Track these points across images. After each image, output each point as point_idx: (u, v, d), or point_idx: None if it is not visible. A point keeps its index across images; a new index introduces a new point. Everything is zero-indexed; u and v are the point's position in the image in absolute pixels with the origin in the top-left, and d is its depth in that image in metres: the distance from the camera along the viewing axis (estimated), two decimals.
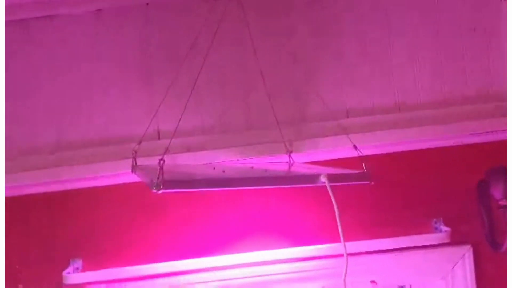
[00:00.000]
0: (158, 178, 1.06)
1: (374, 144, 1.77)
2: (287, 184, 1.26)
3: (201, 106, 1.81)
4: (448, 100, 1.79)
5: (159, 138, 1.79)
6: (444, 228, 1.80)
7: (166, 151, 1.21)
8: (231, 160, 1.74)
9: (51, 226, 1.84)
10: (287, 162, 1.70)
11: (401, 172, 1.84)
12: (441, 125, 1.75)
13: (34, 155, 1.79)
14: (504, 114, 1.73)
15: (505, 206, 1.66)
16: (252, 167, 1.49)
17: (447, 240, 1.76)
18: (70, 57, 1.82)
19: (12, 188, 1.77)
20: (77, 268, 1.82)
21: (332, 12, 1.81)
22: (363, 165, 1.31)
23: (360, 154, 1.33)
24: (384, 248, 1.74)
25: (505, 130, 1.76)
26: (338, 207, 1.11)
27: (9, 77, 1.82)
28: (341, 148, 1.71)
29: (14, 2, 1.73)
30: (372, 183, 1.28)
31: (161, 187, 1.06)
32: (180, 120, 1.40)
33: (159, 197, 1.75)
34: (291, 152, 1.71)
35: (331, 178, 1.17)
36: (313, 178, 1.18)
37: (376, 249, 1.74)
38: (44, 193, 1.83)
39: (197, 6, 1.80)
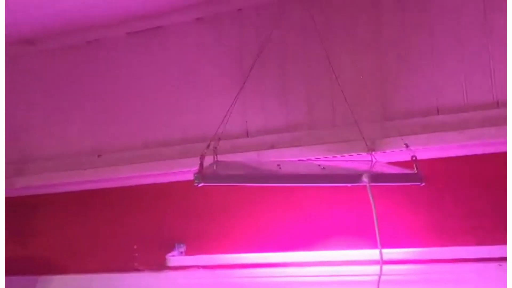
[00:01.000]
0: (199, 173, 1.15)
1: (471, 143, 1.62)
2: (327, 183, 1.24)
3: (286, 105, 1.85)
4: None
5: (247, 136, 1.88)
6: None
7: (216, 148, 1.28)
8: (316, 158, 1.75)
9: (162, 213, 2.07)
10: (369, 160, 1.65)
11: (469, 178, 1.65)
12: None
13: (144, 149, 2.03)
14: None
15: None
16: (319, 165, 1.49)
17: None
18: (173, 62, 2.02)
19: (127, 178, 2.04)
20: (181, 252, 2.01)
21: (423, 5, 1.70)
22: (414, 165, 1.23)
23: (411, 153, 1.24)
24: (444, 257, 1.57)
25: None
26: (376, 208, 1.08)
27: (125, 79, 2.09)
28: (430, 147, 1.62)
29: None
30: (423, 184, 1.19)
31: (201, 181, 1.15)
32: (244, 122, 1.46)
33: (256, 193, 1.88)
34: (372, 150, 1.65)
35: (375, 178, 1.13)
36: (355, 177, 1.16)
37: (435, 258, 1.58)
38: (154, 184, 2.05)
39: (287, 14, 1.85)
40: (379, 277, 1.06)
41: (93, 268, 2.08)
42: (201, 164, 1.17)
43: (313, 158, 1.72)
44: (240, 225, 1.94)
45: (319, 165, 1.51)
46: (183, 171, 1.94)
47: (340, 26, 1.78)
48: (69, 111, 2.17)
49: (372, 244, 1.68)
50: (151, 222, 2.09)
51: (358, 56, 1.77)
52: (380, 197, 1.66)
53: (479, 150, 1.64)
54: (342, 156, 1.72)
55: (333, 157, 1.73)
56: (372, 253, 1.64)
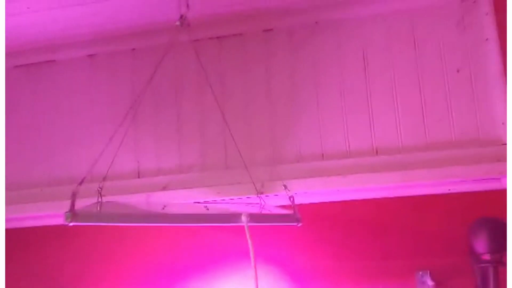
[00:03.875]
0: (69, 210, 1.10)
1: (354, 188, 1.71)
2: (210, 223, 1.24)
3: (180, 146, 1.85)
4: (430, 145, 1.68)
5: (138, 177, 1.85)
6: (430, 282, 1.66)
7: (101, 189, 1.24)
8: (205, 201, 1.75)
9: (35, 257, 1.95)
10: (257, 203, 1.68)
11: (388, 221, 1.75)
12: (422, 170, 1.64)
13: (27, 189, 1.91)
14: (492, 160, 1.60)
15: (488, 261, 1.50)
16: (205, 206, 1.49)
17: None
18: (66, 99, 1.97)
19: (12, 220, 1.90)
20: None
21: (311, 59, 1.80)
22: (292, 206, 1.26)
23: (288, 194, 1.28)
24: None
25: (494, 179, 1.62)
26: (253, 247, 1.08)
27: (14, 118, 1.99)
28: (316, 192, 1.68)
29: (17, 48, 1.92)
30: (300, 224, 1.22)
31: (72, 219, 1.10)
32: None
33: (141, 233, 1.84)
34: (261, 193, 1.68)
35: (254, 218, 1.14)
36: (235, 217, 1.16)
37: None
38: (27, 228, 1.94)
39: (180, 57, 1.88)
40: None
41: None
42: (73, 202, 1.12)
43: (202, 200, 1.72)
44: (118, 267, 1.87)
45: (205, 207, 1.50)
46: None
47: (233, 73, 1.84)
48: None
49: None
50: (25, 268, 1.95)
51: (250, 102, 1.82)
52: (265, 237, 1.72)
53: (360, 196, 1.73)
54: (231, 199, 1.74)
55: (221, 200, 1.74)
56: None
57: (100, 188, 1.56)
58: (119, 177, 1.82)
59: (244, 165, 1.66)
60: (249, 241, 1.10)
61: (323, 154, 1.76)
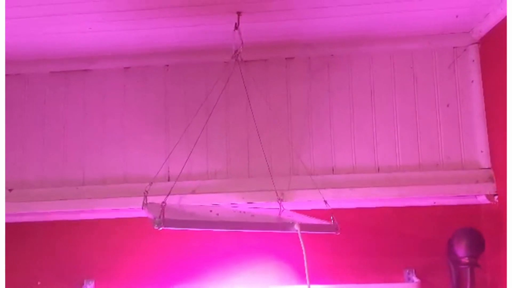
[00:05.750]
0: (159, 217, 1.33)
1: (358, 199, 2.02)
2: (267, 229, 1.51)
3: (208, 155, 2.09)
4: (422, 166, 2.03)
5: (168, 180, 2.07)
6: (415, 279, 2.00)
7: (169, 193, 1.48)
8: (231, 204, 2.01)
9: (69, 249, 2.13)
10: (277, 208, 1.96)
11: (381, 226, 2.07)
12: (414, 186, 1.98)
13: (63, 187, 2.09)
14: (471, 181, 1.96)
15: (467, 263, 1.87)
16: (243, 212, 1.75)
17: None
18: (99, 106, 2.15)
19: (36, 214, 2.08)
20: None
21: (325, 86, 2.09)
22: (331, 218, 1.56)
23: (329, 208, 1.57)
24: None
25: (472, 196, 1.99)
26: (306, 252, 1.36)
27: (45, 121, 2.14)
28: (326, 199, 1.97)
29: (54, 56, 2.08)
30: (338, 233, 1.52)
31: (162, 225, 1.33)
32: (185, 163, 1.67)
33: (161, 230, 2.05)
34: (281, 200, 1.96)
35: (303, 226, 1.42)
36: (288, 225, 1.44)
37: None
38: (68, 221, 2.11)
39: (210, 70, 2.11)
40: None
41: None
42: (162, 210, 1.35)
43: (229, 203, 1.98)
44: (150, 262, 2.09)
45: (240, 211, 1.77)
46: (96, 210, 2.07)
47: (258, 93, 2.08)
48: None
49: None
50: (58, 259, 2.13)
51: (271, 120, 2.09)
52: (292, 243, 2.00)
53: (361, 205, 2.06)
54: (250, 203, 2.00)
55: (247, 203, 2.00)
56: None
57: (146, 191, 1.80)
58: (150, 180, 2.02)
59: (269, 174, 1.94)
60: (303, 247, 1.38)
61: (333, 169, 2.06)
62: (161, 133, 2.12)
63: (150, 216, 1.50)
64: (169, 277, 2.07)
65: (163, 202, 1.39)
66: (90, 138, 2.15)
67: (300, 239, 1.40)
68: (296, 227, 1.42)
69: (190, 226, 1.40)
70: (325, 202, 1.65)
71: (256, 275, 2.01)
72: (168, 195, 1.50)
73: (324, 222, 1.54)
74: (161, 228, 1.34)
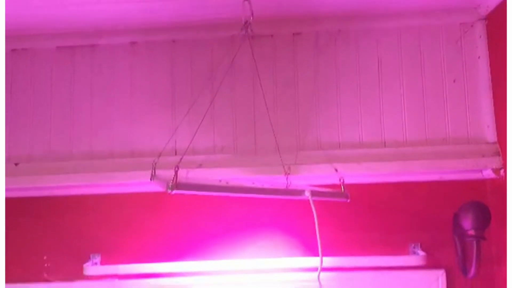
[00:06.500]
0: (172, 181, 1.33)
1: (362, 173, 2.03)
2: (278, 195, 1.51)
3: (214, 130, 2.09)
4: (428, 140, 2.04)
5: (175, 154, 2.07)
6: (420, 252, 2.02)
7: (180, 161, 1.48)
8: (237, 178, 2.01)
9: (74, 224, 2.13)
10: (285, 183, 1.96)
11: (387, 201, 2.09)
12: (421, 161, 2.00)
13: (70, 161, 2.08)
14: (477, 156, 1.98)
15: (473, 236, 1.88)
16: (253, 183, 1.76)
17: (422, 263, 1.98)
18: (107, 81, 2.15)
19: (40, 189, 2.08)
20: (96, 263, 2.09)
21: (333, 61, 2.10)
22: (342, 186, 1.57)
23: (340, 176, 1.58)
24: (365, 265, 1.97)
25: (477, 170, 2.01)
26: (318, 220, 1.36)
27: (53, 96, 2.14)
28: (332, 175, 1.98)
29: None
30: (349, 201, 1.53)
31: (175, 188, 1.33)
32: (193, 138, 1.68)
33: (168, 205, 2.07)
34: (288, 174, 1.97)
35: (314, 193, 1.43)
36: (299, 192, 1.44)
37: (357, 265, 1.97)
38: (75, 196, 2.11)
39: (216, 44, 2.11)
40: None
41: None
42: (176, 174, 1.35)
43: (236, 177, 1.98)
44: (156, 236, 2.09)
45: (252, 183, 1.78)
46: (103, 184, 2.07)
47: (265, 69, 2.08)
48: None
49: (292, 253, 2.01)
50: (65, 233, 2.13)
51: (278, 96, 2.09)
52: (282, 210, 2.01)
53: (368, 180, 2.07)
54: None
55: (254, 177, 2.01)
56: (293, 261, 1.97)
57: (154, 162, 1.80)
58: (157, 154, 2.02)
59: (275, 149, 1.94)
60: (314, 213, 1.39)
61: (339, 144, 2.06)
62: (168, 108, 2.12)
63: (160, 185, 1.50)
64: (176, 251, 2.07)
65: (176, 167, 1.39)
66: (97, 113, 2.14)
67: (312, 206, 1.41)
68: (307, 193, 1.43)
69: (202, 189, 1.41)
70: (336, 170, 1.66)
71: (264, 248, 2.02)
72: (179, 162, 1.50)
73: (334, 191, 1.55)
74: (173, 192, 1.35)
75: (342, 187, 1.58)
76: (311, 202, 1.41)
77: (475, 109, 2.04)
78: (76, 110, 2.15)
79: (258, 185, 1.66)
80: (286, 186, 1.93)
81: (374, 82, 2.09)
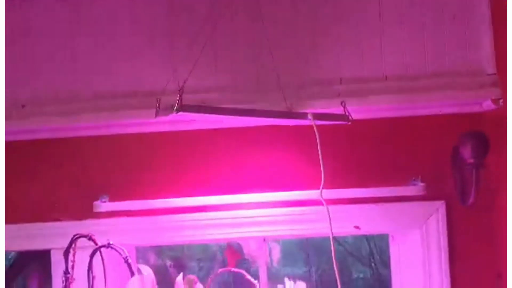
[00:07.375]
0: (177, 103, 1.36)
1: (364, 107, 2.05)
2: (281, 118, 1.55)
3: (216, 67, 2.11)
4: (429, 73, 2.06)
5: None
6: (420, 183, 2.07)
7: (184, 85, 1.50)
8: None
9: (81, 165, 2.18)
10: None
11: (388, 135, 2.13)
12: (422, 94, 2.03)
13: (75, 103, 2.11)
14: (476, 88, 2.01)
15: (471, 164, 1.93)
16: None
17: (422, 192, 2.03)
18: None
19: (47, 131, 2.12)
20: (104, 202, 2.14)
21: None
22: (344, 108, 1.60)
23: (343, 101, 1.61)
24: (366, 196, 2.02)
25: (477, 103, 2.04)
26: (320, 147, 1.39)
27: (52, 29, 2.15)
28: (333, 109, 2.01)
29: None
30: (350, 123, 1.56)
31: (180, 110, 1.36)
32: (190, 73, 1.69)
33: (174, 145, 2.11)
34: (290, 109, 1.99)
35: (316, 116, 1.46)
36: (302, 115, 1.48)
37: (359, 196, 2.02)
38: (81, 137, 2.16)
39: None
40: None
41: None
42: (180, 96, 1.38)
43: None
44: (163, 176, 2.14)
45: None
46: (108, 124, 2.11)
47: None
48: None
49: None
50: (73, 175, 2.18)
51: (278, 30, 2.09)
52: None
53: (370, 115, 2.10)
54: None
55: None
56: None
57: (159, 98, 1.82)
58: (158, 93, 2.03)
59: (277, 86, 1.96)
60: (317, 137, 1.42)
61: (341, 79, 2.09)
62: (168, 46, 2.12)
63: (166, 111, 1.53)
64: (184, 188, 2.12)
65: (180, 89, 1.42)
66: (100, 55, 2.15)
67: (315, 128, 1.45)
68: (310, 116, 1.46)
69: (207, 111, 1.44)
70: (342, 103, 1.69)
71: (268, 180, 2.07)
72: (183, 86, 1.52)
73: (336, 113, 1.58)
74: (179, 113, 1.38)
75: (344, 109, 1.61)
76: (314, 125, 1.45)
77: (474, 43, 2.05)
78: (79, 51, 2.15)
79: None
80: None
81: (374, 16, 2.09)
